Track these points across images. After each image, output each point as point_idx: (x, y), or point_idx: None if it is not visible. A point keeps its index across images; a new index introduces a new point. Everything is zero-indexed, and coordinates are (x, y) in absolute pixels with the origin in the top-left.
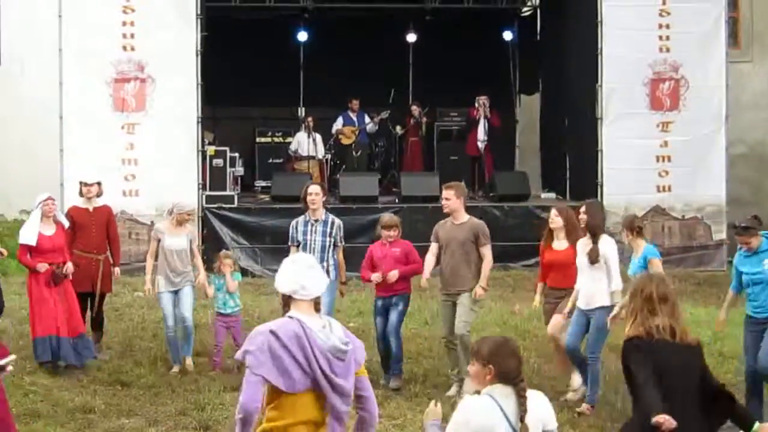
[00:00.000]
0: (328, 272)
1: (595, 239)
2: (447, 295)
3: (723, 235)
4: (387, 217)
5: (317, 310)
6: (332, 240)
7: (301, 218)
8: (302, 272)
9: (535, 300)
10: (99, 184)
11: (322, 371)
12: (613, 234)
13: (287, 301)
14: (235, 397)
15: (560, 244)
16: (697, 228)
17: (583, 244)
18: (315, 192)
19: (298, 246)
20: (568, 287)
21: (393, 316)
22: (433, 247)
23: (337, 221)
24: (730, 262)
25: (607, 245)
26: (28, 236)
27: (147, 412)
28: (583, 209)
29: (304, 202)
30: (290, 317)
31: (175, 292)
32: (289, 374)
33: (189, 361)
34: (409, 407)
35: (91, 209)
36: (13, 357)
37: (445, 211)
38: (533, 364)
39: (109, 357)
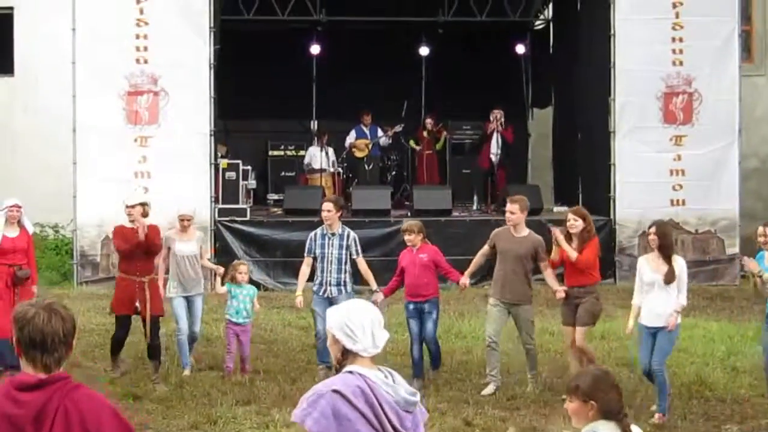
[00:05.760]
0: (345, 284)
1: (668, 259)
2: (499, 301)
3: (736, 249)
4: (406, 222)
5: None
6: (348, 252)
7: (318, 230)
8: (378, 329)
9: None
10: (143, 204)
11: (393, 427)
12: (625, 248)
13: (348, 355)
14: (247, 410)
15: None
16: (711, 242)
17: (650, 261)
18: (327, 209)
19: (314, 258)
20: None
21: (429, 325)
22: (485, 249)
23: (353, 234)
24: (744, 277)
25: (681, 264)
26: None
27: (159, 426)
28: (653, 229)
29: (321, 216)
30: (350, 372)
31: (187, 299)
32: None
33: (186, 371)
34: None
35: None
36: None
37: (509, 223)
38: (545, 379)
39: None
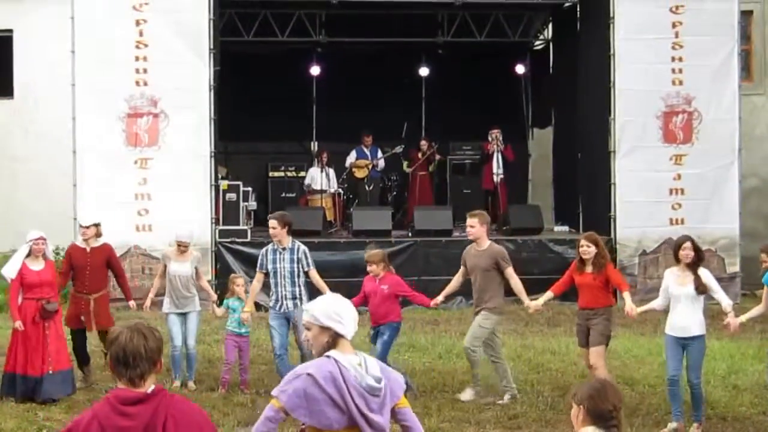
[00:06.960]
0: (300, 297)
1: (695, 272)
2: (475, 314)
3: (737, 268)
4: (368, 251)
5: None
6: (300, 266)
7: (270, 246)
8: (355, 313)
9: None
10: (97, 225)
11: (359, 409)
12: (625, 267)
13: (335, 339)
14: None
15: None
16: (711, 261)
17: (675, 274)
18: (272, 226)
19: (266, 274)
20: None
21: (378, 346)
22: (461, 270)
23: (303, 247)
24: (744, 295)
25: (707, 273)
26: (9, 270)
27: None
28: (688, 244)
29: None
30: (327, 356)
31: (182, 315)
32: (325, 415)
33: (191, 384)
34: None
35: (88, 249)
36: None
37: (470, 237)
38: (547, 398)
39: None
